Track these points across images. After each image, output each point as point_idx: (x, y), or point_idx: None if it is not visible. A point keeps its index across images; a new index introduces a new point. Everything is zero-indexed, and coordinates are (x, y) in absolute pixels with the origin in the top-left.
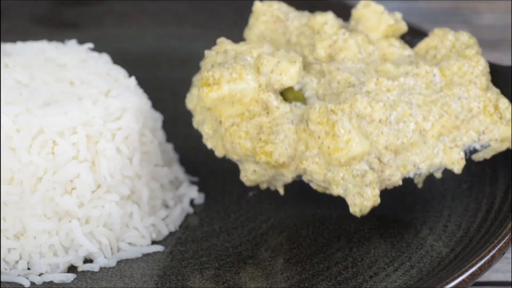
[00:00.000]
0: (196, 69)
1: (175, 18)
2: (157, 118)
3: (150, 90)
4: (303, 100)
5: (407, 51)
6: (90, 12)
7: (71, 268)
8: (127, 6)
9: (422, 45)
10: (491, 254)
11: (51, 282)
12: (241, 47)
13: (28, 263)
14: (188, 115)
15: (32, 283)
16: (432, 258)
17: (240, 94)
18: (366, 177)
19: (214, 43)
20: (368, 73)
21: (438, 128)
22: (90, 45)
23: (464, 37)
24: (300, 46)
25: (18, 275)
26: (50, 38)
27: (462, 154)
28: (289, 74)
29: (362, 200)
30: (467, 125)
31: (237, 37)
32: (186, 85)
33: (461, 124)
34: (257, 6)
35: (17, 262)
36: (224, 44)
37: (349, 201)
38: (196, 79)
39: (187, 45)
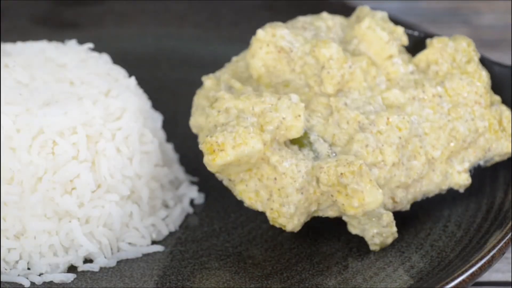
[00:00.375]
0: (196, 69)
1: (175, 18)
2: (157, 118)
3: (150, 90)
4: (310, 144)
5: (410, 66)
6: (90, 12)
7: (71, 268)
8: (127, 6)
9: (422, 56)
10: (491, 254)
11: (51, 282)
12: (242, 102)
13: (28, 263)
14: (188, 115)
15: (32, 283)
16: (432, 258)
17: (246, 157)
18: (383, 220)
19: (214, 43)
20: (375, 103)
21: (447, 154)
22: (90, 45)
23: (462, 44)
24: (304, 75)
25: (18, 275)
26: (50, 38)
27: (470, 179)
28: (294, 129)
29: (382, 239)
30: (474, 145)
31: (237, 37)
32: (186, 85)
33: (468, 146)
34: (260, 35)
35: (17, 262)
36: (224, 101)
37: (369, 241)
38: (198, 101)
39: (187, 45)
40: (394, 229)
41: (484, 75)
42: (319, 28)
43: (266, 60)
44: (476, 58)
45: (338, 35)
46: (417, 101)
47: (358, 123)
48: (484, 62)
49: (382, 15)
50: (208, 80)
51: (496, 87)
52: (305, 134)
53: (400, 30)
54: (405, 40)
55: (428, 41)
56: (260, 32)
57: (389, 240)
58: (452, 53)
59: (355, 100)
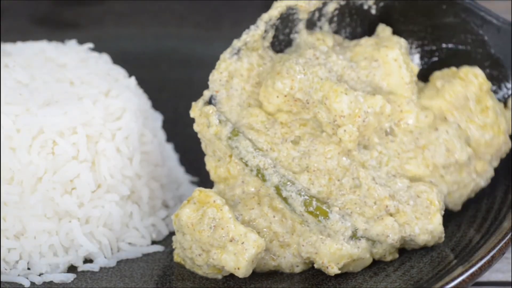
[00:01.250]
0: (196, 69)
1: (175, 18)
2: (157, 118)
3: (150, 90)
4: (285, 200)
5: (422, 114)
6: (90, 12)
7: (71, 268)
8: (127, 6)
9: (435, 105)
10: (491, 254)
11: (51, 282)
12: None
13: (28, 263)
14: (188, 115)
15: (32, 283)
16: (432, 258)
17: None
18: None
19: (214, 43)
20: (398, 177)
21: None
22: (90, 45)
23: (472, 86)
24: (318, 120)
25: (18, 275)
26: (50, 38)
27: None
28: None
29: (391, 257)
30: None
31: (237, 37)
32: (186, 85)
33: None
34: (278, 87)
35: (17, 262)
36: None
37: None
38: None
39: (187, 45)
40: (389, 258)
41: (504, 122)
42: (330, 58)
43: (282, 106)
44: (491, 102)
45: (341, 52)
46: (442, 151)
47: (386, 207)
48: (486, 16)
49: (405, 44)
50: (193, 113)
51: (496, 44)
52: (278, 190)
53: (416, 69)
54: (416, 79)
55: (438, 86)
56: (278, 84)
57: (393, 256)
58: (465, 103)
59: (376, 167)
